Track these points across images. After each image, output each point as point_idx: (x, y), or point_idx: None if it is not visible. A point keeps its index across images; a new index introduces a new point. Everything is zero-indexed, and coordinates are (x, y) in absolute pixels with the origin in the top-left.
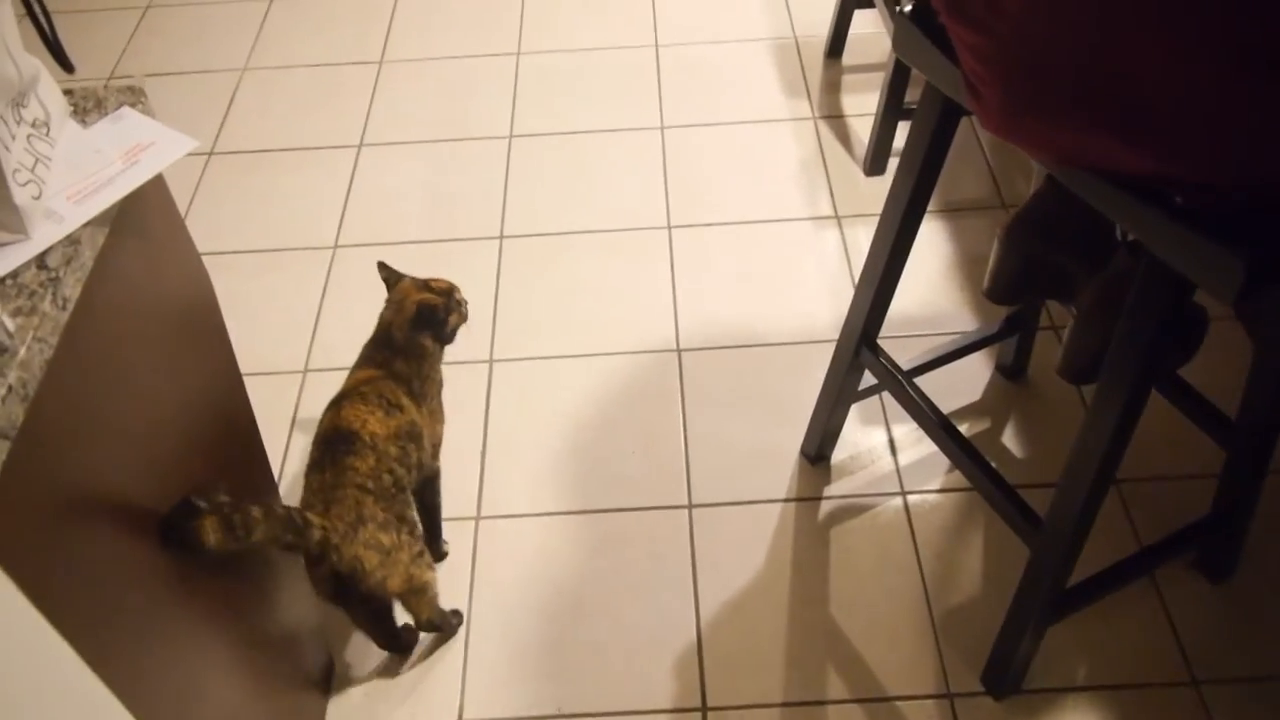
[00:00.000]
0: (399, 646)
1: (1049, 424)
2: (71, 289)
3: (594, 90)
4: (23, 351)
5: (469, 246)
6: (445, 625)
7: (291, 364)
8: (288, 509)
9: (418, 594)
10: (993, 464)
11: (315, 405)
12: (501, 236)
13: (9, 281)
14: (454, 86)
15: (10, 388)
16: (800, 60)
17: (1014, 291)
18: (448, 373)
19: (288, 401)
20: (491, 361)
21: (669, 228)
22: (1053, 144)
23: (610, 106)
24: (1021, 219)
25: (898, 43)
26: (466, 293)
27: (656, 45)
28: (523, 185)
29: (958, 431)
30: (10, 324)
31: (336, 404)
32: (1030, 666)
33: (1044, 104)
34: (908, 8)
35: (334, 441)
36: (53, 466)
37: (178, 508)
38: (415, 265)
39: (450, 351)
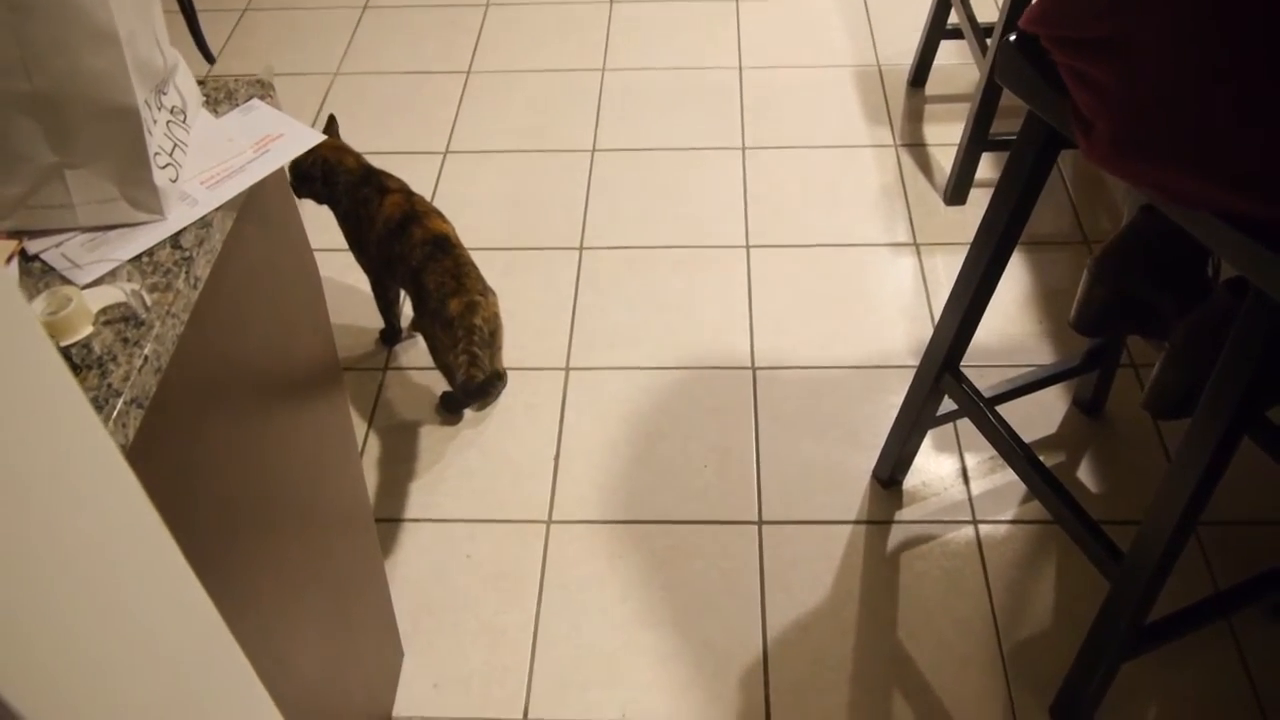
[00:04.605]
0: (461, 407)
1: (1125, 461)
2: (202, 269)
3: (677, 109)
4: (158, 326)
5: (549, 255)
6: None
7: (373, 361)
8: (454, 334)
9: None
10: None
11: (395, 402)
12: (581, 247)
13: (145, 259)
14: (539, 99)
15: (146, 358)
16: (883, 88)
17: (1101, 323)
18: (525, 377)
19: (367, 395)
20: (568, 369)
21: (747, 247)
22: (1160, 182)
23: (692, 125)
24: (1113, 250)
25: (1001, 71)
26: (545, 299)
27: (740, 68)
28: (604, 198)
29: (1039, 462)
30: (148, 298)
31: (417, 219)
32: (1100, 703)
33: (1158, 144)
34: (1012, 37)
35: (438, 242)
36: (176, 437)
37: (472, 392)
38: (495, 270)
39: (527, 357)
